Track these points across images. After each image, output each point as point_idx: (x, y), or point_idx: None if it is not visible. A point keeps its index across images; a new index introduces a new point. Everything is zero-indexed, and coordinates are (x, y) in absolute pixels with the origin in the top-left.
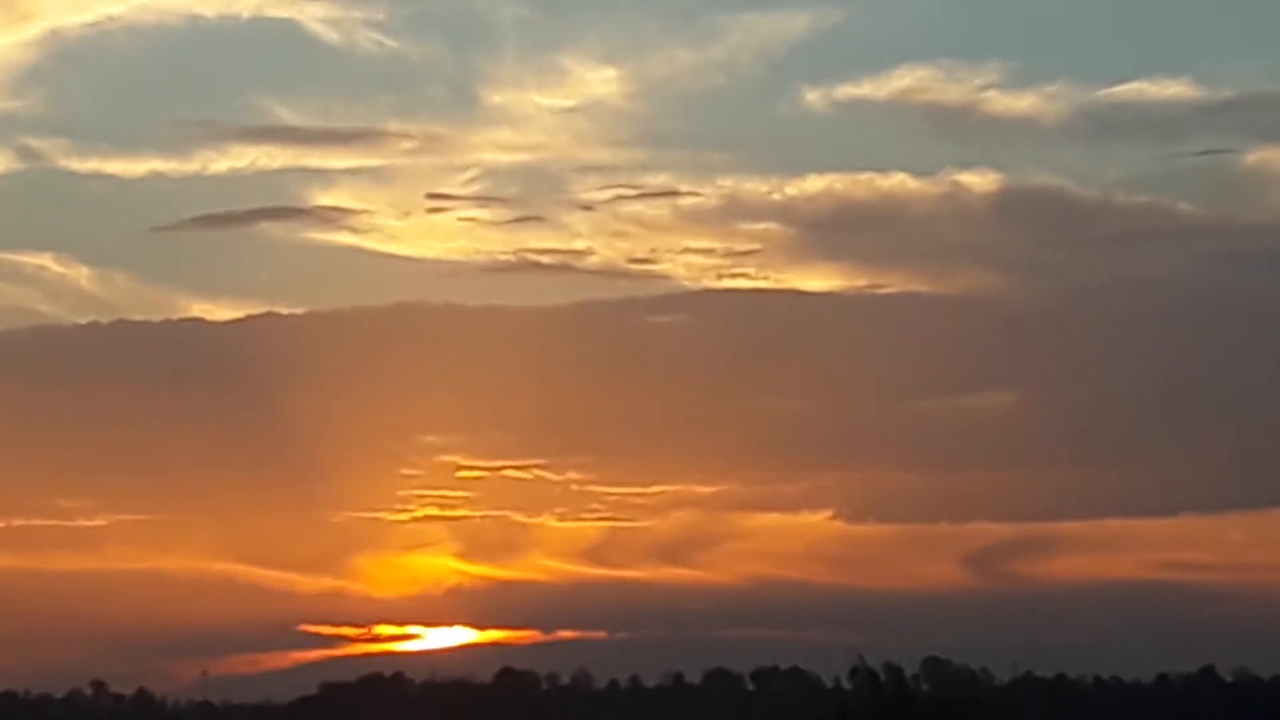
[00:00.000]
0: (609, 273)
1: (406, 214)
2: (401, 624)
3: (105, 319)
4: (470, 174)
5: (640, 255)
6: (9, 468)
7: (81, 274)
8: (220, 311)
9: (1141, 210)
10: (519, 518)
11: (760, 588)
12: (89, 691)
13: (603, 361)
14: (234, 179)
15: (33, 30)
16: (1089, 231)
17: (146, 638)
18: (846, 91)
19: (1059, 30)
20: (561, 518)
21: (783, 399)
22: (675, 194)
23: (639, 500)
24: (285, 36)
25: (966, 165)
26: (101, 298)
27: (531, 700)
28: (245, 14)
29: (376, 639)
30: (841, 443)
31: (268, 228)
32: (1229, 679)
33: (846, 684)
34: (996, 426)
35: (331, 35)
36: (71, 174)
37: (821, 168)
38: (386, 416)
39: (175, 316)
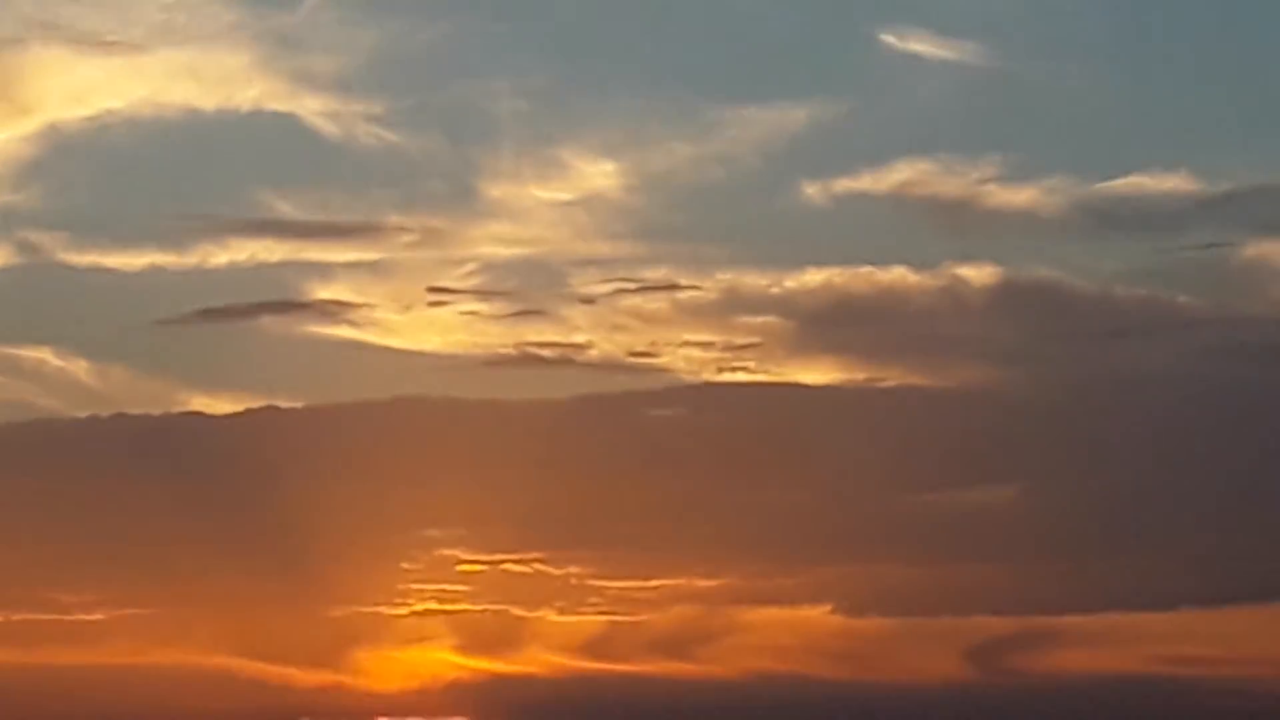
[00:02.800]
0: (609, 366)
1: (407, 307)
2: (401, 718)
3: (105, 412)
4: (470, 267)
5: (640, 349)
6: (8, 562)
7: (81, 368)
8: (220, 405)
9: (1141, 303)
10: (519, 611)
11: (761, 682)
12: None
13: (603, 455)
14: (234, 272)
15: (32, 124)
16: (1089, 325)
17: None
18: (845, 185)
19: (1057, 124)
20: (562, 611)
21: (783, 492)
22: (675, 287)
23: (639, 594)
24: (284, 130)
25: (966, 258)
26: (101, 391)
27: None
28: (244, 108)
29: None
30: (842, 536)
31: (268, 321)
32: None
33: None
34: (997, 520)
35: (330, 129)
36: (71, 268)
37: (821, 261)
38: (386, 510)
39: (175, 410)
